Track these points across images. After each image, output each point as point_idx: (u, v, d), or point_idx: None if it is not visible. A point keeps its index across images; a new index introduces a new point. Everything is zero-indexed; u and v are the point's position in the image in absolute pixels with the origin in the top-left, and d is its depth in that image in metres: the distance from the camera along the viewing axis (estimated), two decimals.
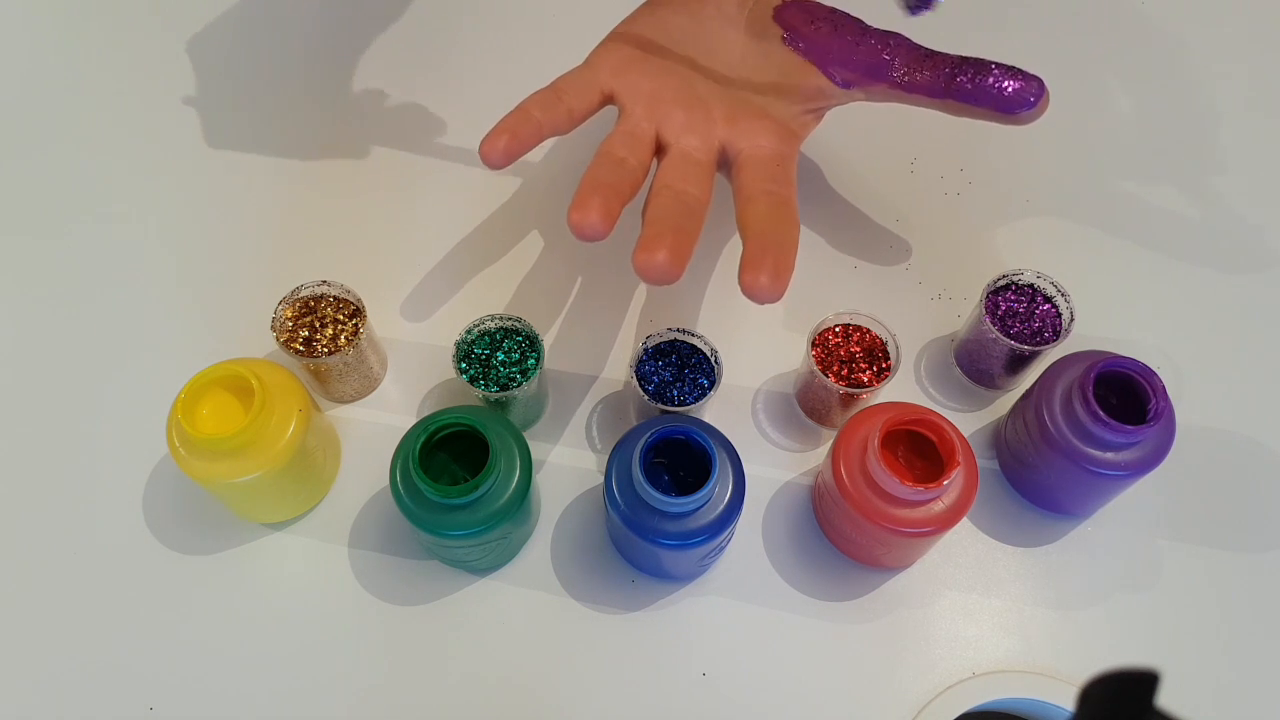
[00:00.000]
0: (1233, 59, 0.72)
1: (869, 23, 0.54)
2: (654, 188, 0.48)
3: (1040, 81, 0.51)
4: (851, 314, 0.55)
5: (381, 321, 0.60)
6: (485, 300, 0.61)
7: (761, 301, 0.44)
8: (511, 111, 0.49)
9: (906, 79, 0.52)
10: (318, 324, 0.55)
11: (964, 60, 0.52)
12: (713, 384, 0.53)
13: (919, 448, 0.50)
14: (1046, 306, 0.56)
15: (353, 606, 0.52)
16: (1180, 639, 0.52)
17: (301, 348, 0.54)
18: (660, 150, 0.51)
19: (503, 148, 0.48)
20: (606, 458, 0.52)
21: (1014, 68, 0.51)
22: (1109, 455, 0.49)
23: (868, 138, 0.66)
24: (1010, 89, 0.51)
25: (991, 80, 0.51)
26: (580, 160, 0.48)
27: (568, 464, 0.56)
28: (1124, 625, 0.52)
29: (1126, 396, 0.50)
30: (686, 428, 0.48)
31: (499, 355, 0.54)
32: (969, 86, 0.51)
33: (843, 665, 0.51)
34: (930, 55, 0.52)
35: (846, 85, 0.53)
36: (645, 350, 0.54)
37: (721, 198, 0.50)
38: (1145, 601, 0.53)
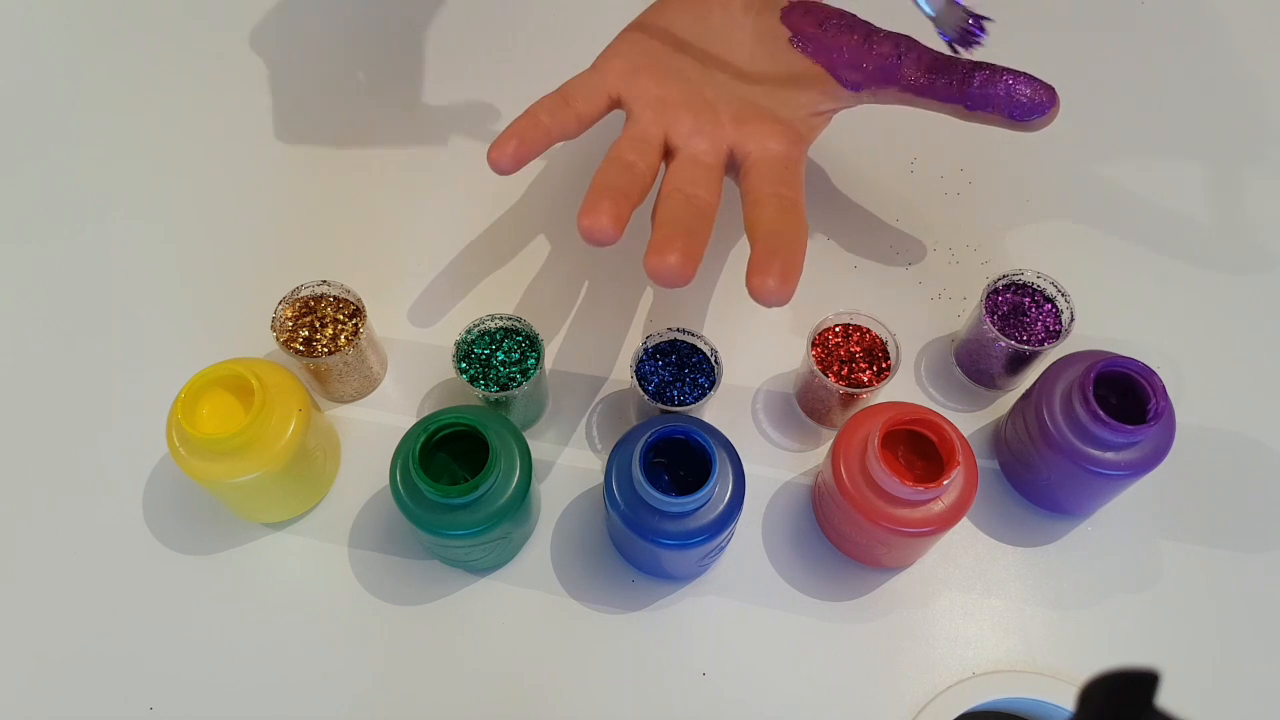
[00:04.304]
0: (1233, 59, 0.72)
1: (878, 25, 0.54)
2: (663, 191, 0.48)
3: (1052, 89, 0.51)
4: (851, 314, 0.55)
5: (381, 321, 0.60)
6: (484, 300, 0.61)
7: (769, 305, 0.43)
8: (520, 117, 0.49)
9: (917, 83, 0.52)
10: (318, 324, 0.55)
11: (976, 65, 0.51)
12: (713, 384, 0.53)
13: (919, 448, 0.50)
14: (1046, 306, 0.56)
15: (353, 606, 0.52)
16: (1180, 639, 0.52)
17: (301, 348, 0.54)
18: (668, 154, 0.51)
19: (511, 153, 0.48)
20: (606, 458, 0.52)
21: (1027, 74, 0.51)
22: (1109, 455, 0.49)
23: (868, 138, 0.66)
24: (1023, 96, 0.51)
25: (1004, 87, 0.51)
26: (584, 163, 0.48)
27: (568, 464, 0.56)
28: (1124, 625, 0.52)
29: (1126, 396, 0.50)
30: (686, 428, 0.48)
31: (499, 355, 0.54)
32: (981, 92, 0.51)
33: (843, 665, 0.51)
34: (942, 59, 0.52)
35: (856, 88, 0.53)
36: (645, 350, 0.54)
37: (723, 201, 0.50)
38: (1145, 601, 0.53)
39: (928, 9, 0.50)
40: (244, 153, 0.67)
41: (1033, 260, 0.61)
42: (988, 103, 0.51)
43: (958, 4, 0.50)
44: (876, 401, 0.54)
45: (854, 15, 0.54)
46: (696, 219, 0.46)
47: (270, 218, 0.64)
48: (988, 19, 0.51)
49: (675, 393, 0.53)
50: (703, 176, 0.49)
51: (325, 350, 0.54)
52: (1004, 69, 0.51)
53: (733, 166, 0.51)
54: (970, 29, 0.50)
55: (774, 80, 0.53)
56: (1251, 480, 0.56)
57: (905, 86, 0.52)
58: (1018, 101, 0.51)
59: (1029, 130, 0.51)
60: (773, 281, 0.43)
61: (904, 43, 0.53)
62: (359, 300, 0.55)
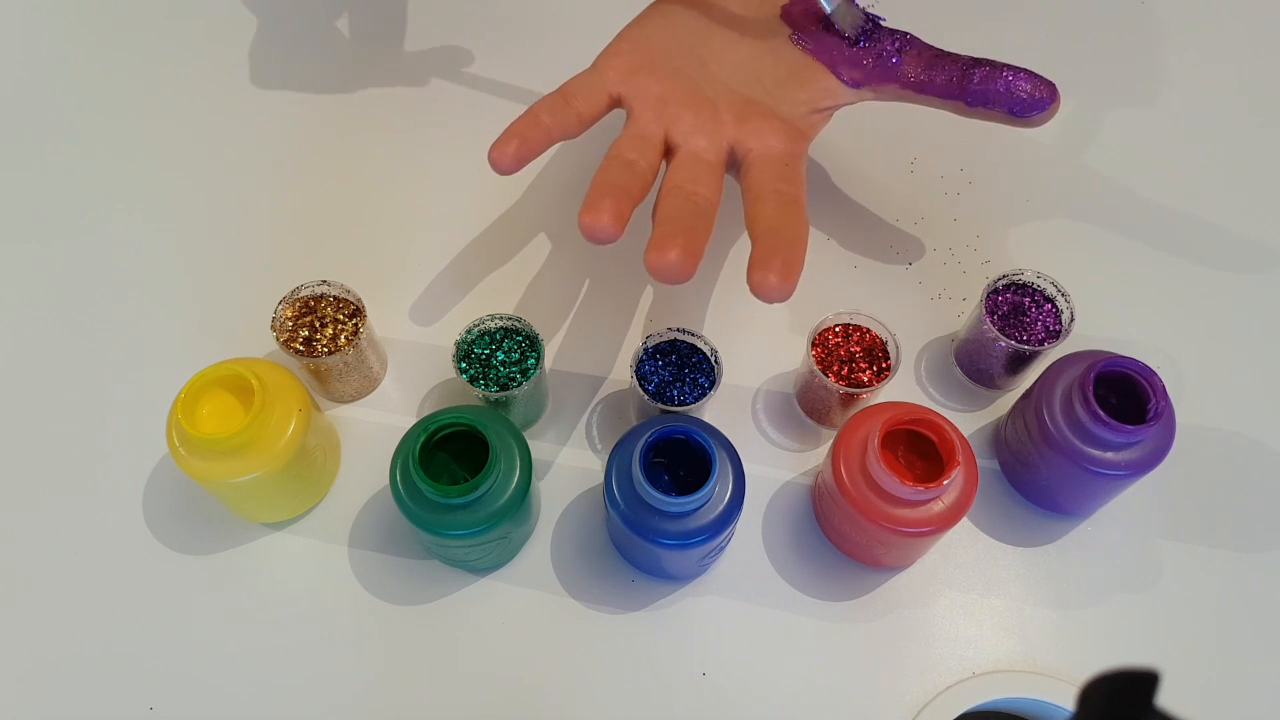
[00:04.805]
0: (1233, 59, 0.72)
1: (879, 21, 0.54)
2: (664, 189, 0.48)
3: (1052, 85, 0.51)
4: (851, 314, 0.55)
5: (381, 321, 0.60)
6: (484, 300, 0.61)
7: (770, 301, 0.44)
8: (520, 117, 0.49)
9: (917, 79, 0.52)
10: (318, 324, 0.55)
11: (976, 61, 0.51)
12: (713, 384, 0.53)
13: (919, 448, 0.50)
14: (1046, 306, 0.56)
15: (353, 606, 0.52)
16: (1180, 639, 0.52)
17: (301, 348, 0.54)
18: (669, 152, 0.51)
19: (512, 153, 0.48)
20: (606, 458, 0.52)
21: (1027, 70, 0.51)
22: (1109, 455, 0.49)
23: (868, 138, 0.66)
24: (1024, 91, 0.51)
25: (1004, 83, 0.51)
26: (585, 162, 0.48)
27: (568, 464, 0.56)
28: (1124, 625, 0.52)
29: (1126, 396, 0.50)
30: (686, 427, 0.48)
31: (499, 355, 0.54)
32: (981, 88, 0.51)
33: (843, 665, 0.51)
34: (942, 55, 0.52)
35: (856, 85, 0.53)
36: (645, 350, 0.54)
37: (723, 200, 0.50)
38: (1145, 601, 0.53)
39: (826, 4, 0.51)
40: (244, 153, 0.67)
41: (1033, 260, 0.61)
42: (988, 99, 0.51)
43: (854, 4, 0.52)
44: (876, 401, 0.54)
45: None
46: (697, 216, 0.46)
47: (270, 217, 0.64)
48: (882, 19, 0.53)
49: (675, 393, 0.53)
50: (703, 174, 0.49)
51: (325, 350, 0.54)
52: (1004, 65, 0.51)
53: (734, 164, 0.51)
54: (866, 28, 0.53)
55: (774, 78, 0.53)
56: (1251, 480, 0.56)
57: (905, 84, 0.52)
58: (1018, 97, 0.51)
59: (1030, 126, 0.52)
60: (774, 277, 0.43)
61: (904, 40, 0.53)
62: (359, 300, 0.55)
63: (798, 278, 0.44)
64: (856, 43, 0.53)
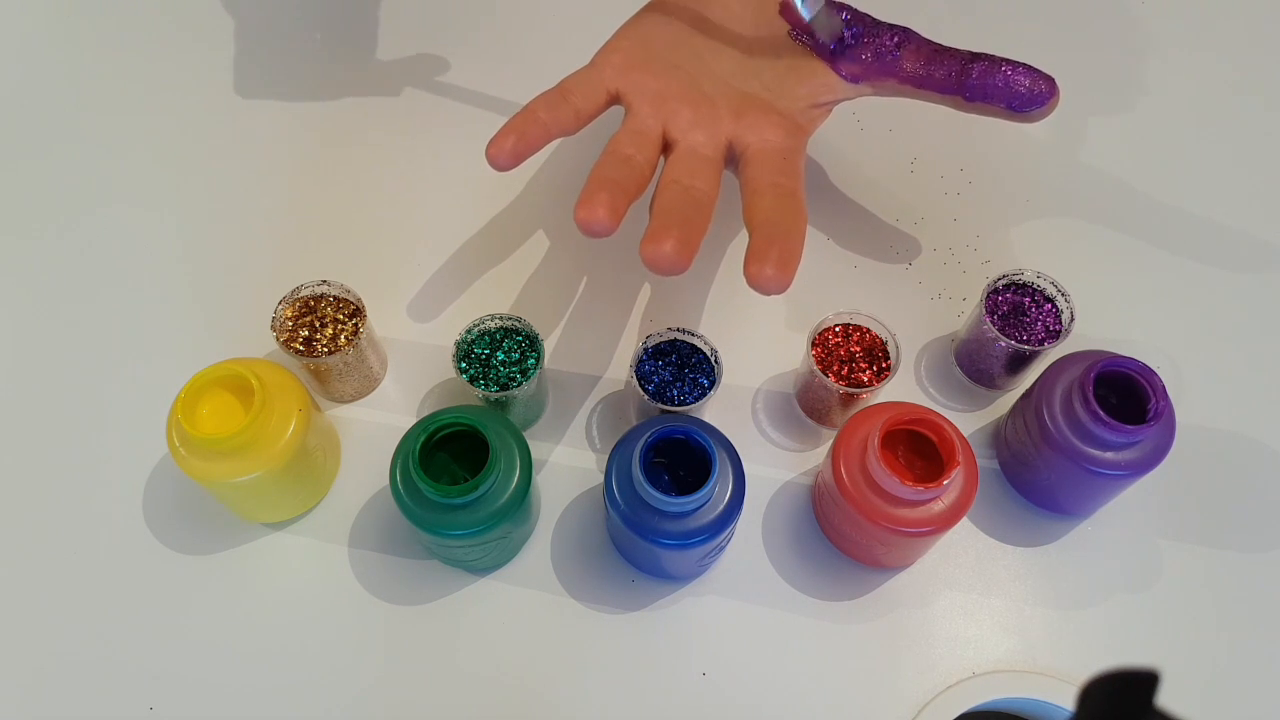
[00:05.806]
0: (1232, 59, 0.72)
1: (879, 17, 0.54)
2: (661, 183, 0.48)
3: (1052, 80, 0.51)
4: (851, 314, 0.55)
5: (381, 321, 0.60)
6: (485, 300, 0.61)
7: (767, 292, 0.43)
8: (518, 113, 0.49)
9: (916, 74, 0.52)
10: (318, 324, 0.55)
11: (975, 56, 0.52)
12: (713, 384, 0.53)
13: (919, 448, 0.50)
14: (1046, 306, 0.56)
15: (353, 606, 0.52)
16: (1180, 639, 0.52)
17: (301, 348, 0.54)
18: (667, 147, 0.51)
19: (510, 149, 0.48)
20: (606, 458, 0.52)
21: (1026, 65, 0.51)
22: (1109, 455, 0.49)
23: (868, 137, 0.66)
24: (1022, 86, 0.51)
25: (1002, 78, 0.51)
26: (584, 161, 0.48)
27: (568, 464, 0.56)
28: (1124, 625, 0.52)
29: (1126, 396, 0.50)
30: (686, 427, 0.48)
31: (499, 355, 0.54)
32: (980, 83, 0.51)
33: (843, 665, 0.51)
34: (941, 51, 0.52)
35: (854, 80, 0.53)
36: (645, 350, 0.54)
37: (722, 199, 0.50)
38: (1145, 601, 0.53)
39: (804, 11, 0.51)
40: (244, 153, 0.67)
41: (1033, 260, 0.61)
42: (986, 94, 0.51)
43: (834, 10, 0.52)
44: (876, 401, 0.54)
45: (853, 8, 0.54)
46: (693, 209, 0.46)
47: (270, 217, 0.64)
48: (857, 29, 0.53)
49: (675, 393, 0.53)
50: (701, 168, 0.49)
51: (325, 350, 0.54)
52: (1003, 60, 0.51)
53: (732, 159, 0.51)
54: (844, 36, 0.53)
55: (773, 73, 0.53)
56: (1251, 480, 0.56)
57: (904, 78, 0.52)
58: (1017, 92, 0.51)
59: (1029, 121, 0.52)
60: (770, 269, 0.43)
61: (903, 35, 0.53)
62: (359, 300, 0.55)
63: (794, 270, 0.44)
64: (833, 50, 0.53)
